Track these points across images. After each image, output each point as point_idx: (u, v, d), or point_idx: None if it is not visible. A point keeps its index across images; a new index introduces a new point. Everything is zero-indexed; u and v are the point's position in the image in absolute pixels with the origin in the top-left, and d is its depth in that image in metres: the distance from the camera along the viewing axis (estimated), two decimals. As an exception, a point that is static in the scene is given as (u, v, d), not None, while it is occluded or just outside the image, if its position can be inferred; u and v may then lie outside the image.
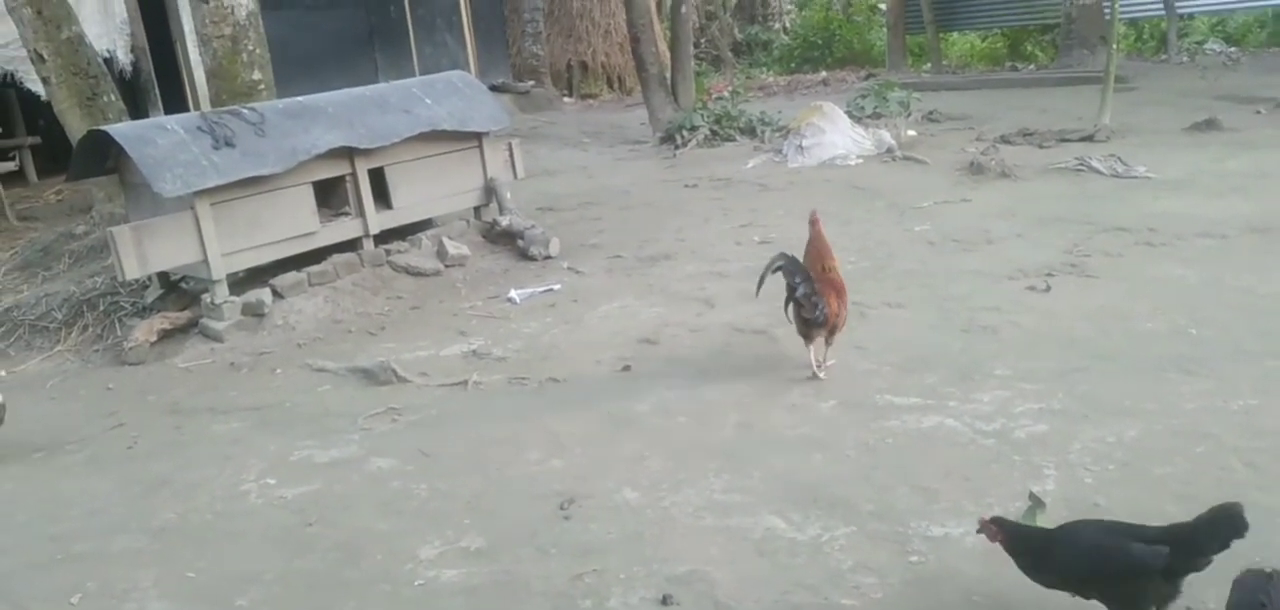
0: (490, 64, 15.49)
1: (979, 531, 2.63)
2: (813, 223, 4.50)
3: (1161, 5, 14.70)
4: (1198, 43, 15.52)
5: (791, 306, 4.22)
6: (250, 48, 7.17)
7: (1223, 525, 2.24)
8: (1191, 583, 2.37)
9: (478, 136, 6.98)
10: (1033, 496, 3.06)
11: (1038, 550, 2.51)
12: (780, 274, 4.19)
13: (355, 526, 3.47)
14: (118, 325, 6.06)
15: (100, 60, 7.99)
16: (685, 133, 11.05)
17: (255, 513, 3.67)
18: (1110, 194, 7.06)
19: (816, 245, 4.42)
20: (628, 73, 17.70)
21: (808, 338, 4.24)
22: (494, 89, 7.09)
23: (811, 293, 4.12)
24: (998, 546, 2.83)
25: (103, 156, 6.13)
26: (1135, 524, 2.44)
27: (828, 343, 4.32)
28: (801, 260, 4.30)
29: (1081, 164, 7.87)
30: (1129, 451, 3.40)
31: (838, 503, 3.26)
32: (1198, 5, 15.30)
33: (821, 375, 4.27)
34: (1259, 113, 9.45)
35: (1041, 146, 8.92)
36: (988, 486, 3.26)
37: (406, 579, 3.10)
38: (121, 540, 3.56)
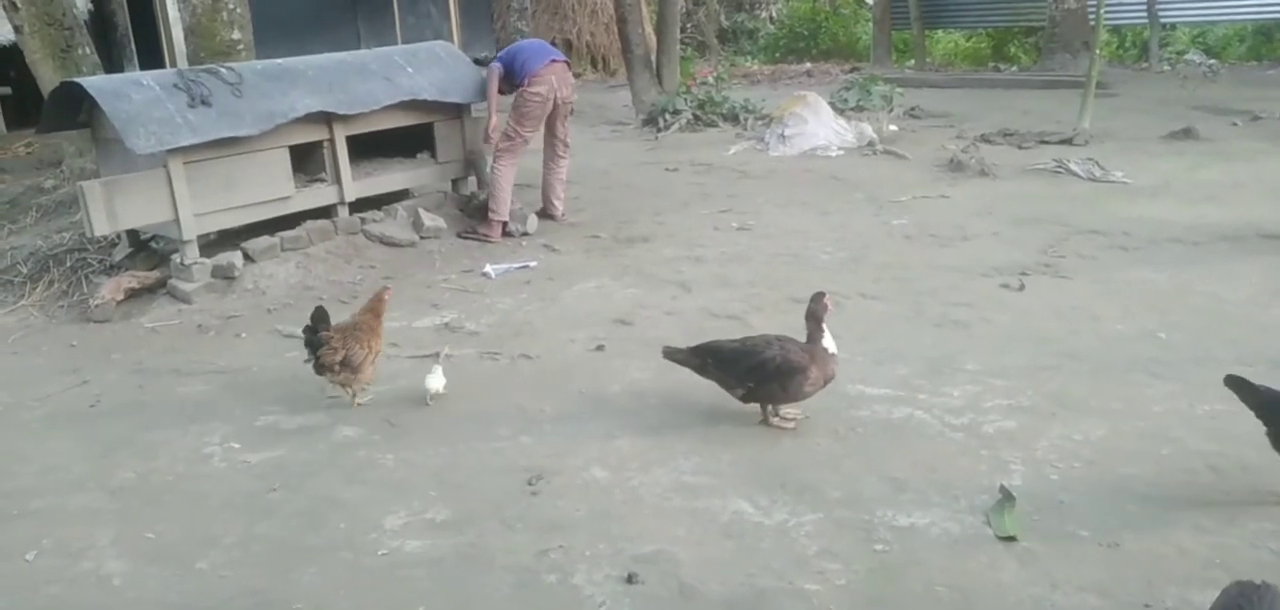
0: (474, 37, 15.37)
1: None
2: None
3: (1145, 13, 14.82)
4: (1178, 53, 15.65)
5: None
6: (231, 6, 7.07)
7: None
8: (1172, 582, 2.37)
9: (459, 109, 6.91)
10: (1004, 489, 3.08)
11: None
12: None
13: (319, 494, 3.43)
14: (84, 282, 5.95)
15: (75, 11, 7.86)
16: (668, 116, 11.02)
17: (218, 476, 3.62)
18: (1086, 197, 7.10)
19: None
20: (612, 54, 17.61)
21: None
22: (477, 63, 7.00)
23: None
24: (964, 538, 2.85)
25: (75, 110, 6.00)
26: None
27: None
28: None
29: (1059, 166, 7.92)
30: (1095, 450, 3.42)
31: (806, 489, 3.26)
32: (1180, 16, 15.46)
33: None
34: (1235, 124, 9.55)
35: (1021, 147, 8.97)
36: (955, 479, 3.27)
37: (370, 548, 3.07)
38: (80, 498, 3.50)
